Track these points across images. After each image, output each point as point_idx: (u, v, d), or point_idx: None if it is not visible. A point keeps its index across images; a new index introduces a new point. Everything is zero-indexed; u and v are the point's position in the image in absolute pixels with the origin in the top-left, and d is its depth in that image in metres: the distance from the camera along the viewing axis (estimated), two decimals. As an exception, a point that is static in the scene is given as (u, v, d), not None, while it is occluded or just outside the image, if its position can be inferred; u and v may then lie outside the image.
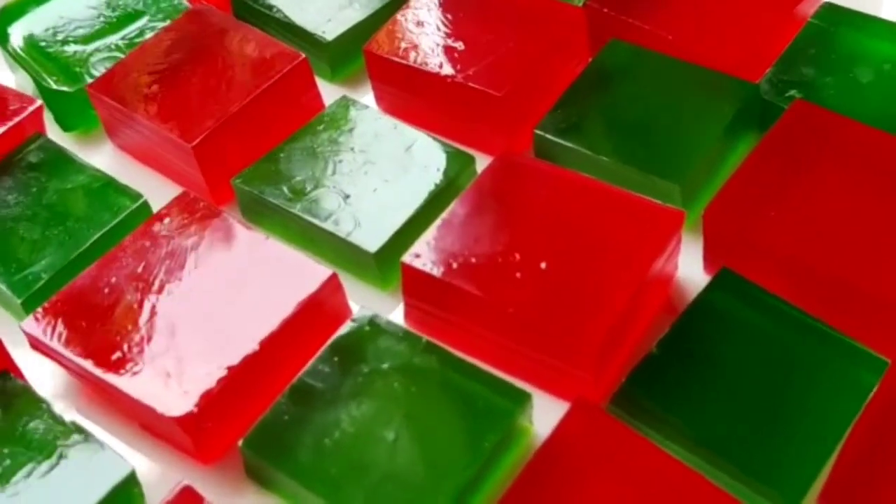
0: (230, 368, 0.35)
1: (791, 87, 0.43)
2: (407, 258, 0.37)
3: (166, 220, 0.40)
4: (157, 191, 0.44)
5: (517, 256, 0.37)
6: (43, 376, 0.39)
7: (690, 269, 0.40)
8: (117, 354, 0.36)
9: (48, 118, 0.48)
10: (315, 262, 0.38)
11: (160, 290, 0.38)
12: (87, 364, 0.36)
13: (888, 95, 0.41)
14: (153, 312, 0.37)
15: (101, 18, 0.51)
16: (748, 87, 0.43)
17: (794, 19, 0.45)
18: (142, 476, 0.35)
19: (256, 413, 0.35)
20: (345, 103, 0.45)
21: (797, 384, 0.34)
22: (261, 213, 0.43)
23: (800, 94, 0.42)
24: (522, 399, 0.34)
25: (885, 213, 0.37)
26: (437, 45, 0.46)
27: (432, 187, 0.42)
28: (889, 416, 0.32)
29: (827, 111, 0.40)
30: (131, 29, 0.51)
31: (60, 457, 0.34)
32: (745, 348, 0.35)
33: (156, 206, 0.42)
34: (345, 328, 0.36)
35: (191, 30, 0.48)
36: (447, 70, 0.44)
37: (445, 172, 0.42)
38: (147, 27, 0.51)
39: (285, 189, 0.42)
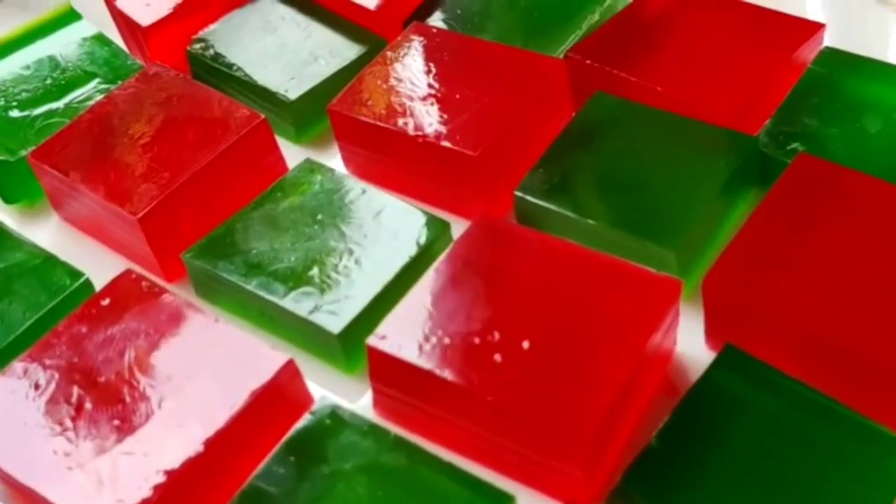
0: (171, 473, 0.31)
1: (793, 140, 0.39)
2: (373, 340, 0.33)
3: (105, 302, 0.36)
4: (105, 268, 0.40)
5: (497, 335, 0.33)
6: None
7: (690, 343, 0.36)
8: (46, 458, 0.32)
9: (-12, 189, 0.45)
10: (270, 346, 0.34)
11: (96, 383, 0.34)
12: (13, 470, 0.32)
13: (900, 146, 0.38)
14: (88, 408, 0.33)
15: (48, 81, 0.47)
16: (746, 140, 0.39)
17: (793, 66, 0.42)
18: None
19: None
20: (308, 167, 0.42)
21: (818, 478, 0.30)
22: (215, 290, 0.39)
23: (803, 146, 0.39)
24: (506, 503, 0.30)
25: (903, 275, 0.33)
26: (408, 101, 0.42)
27: (404, 258, 0.38)
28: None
29: (834, 165, 0.37)
30: (80, 92, 0.47)
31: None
32: (757, 437, 0.30)
33: (102, 285, 0.38)
34: (302, 422, 0.32)
35: (142, 92, 0.44)
36: (418, 129, 0.41)
37: (418, 240, 0.38)
38: (97, 90, 0.47)
39: (241, 263, 0.38)
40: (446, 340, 0.33)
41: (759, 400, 0.31)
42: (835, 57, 0.42)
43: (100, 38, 0.50)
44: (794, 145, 0.39)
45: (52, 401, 0.34)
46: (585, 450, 0.30)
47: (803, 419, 0.31)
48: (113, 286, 0.37)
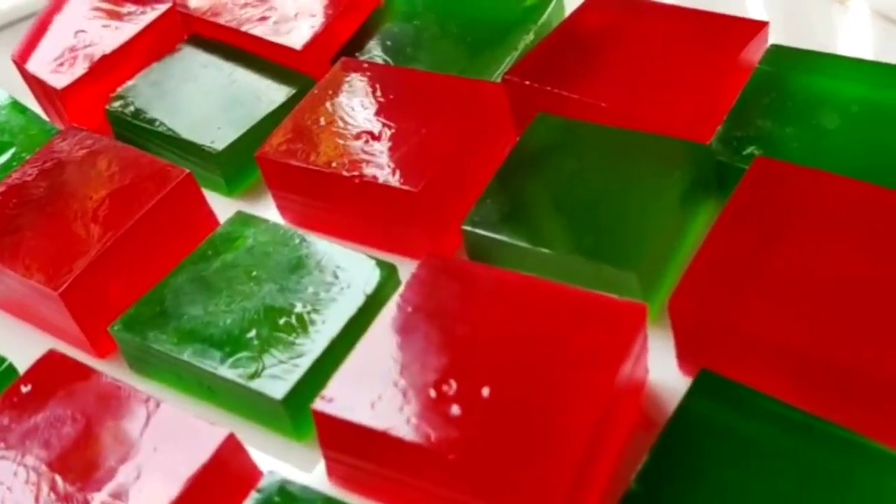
0: (105, 576, 0.28)
1: (748, 144, 0.37)
2: (318, 404, 0.31)
3: (26, 389, 0.33)
4: (32, 350, 0.37)
5: (454, 385, 0.30)
6: None
7: (662, 370, 0.33)
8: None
9: None
10: (210, 420, 0.31)
11: (20, 480, 0.31)
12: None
13: (862, 140, 0.36)
14: (10, 511, 0.30)
15: (-40, 156, 0.45)
16: (699, 149, 0.37)
17: (740, 68, 0.40)
18: None
19: None
20: (240, 220, 0.39)
21: (816, 506, 0.27)
22: (149, 363, 0.36)
23: (759, 150, 0.37)
24: (477, 570, 0.27)
25: (878, 273, 0.31)
26: (341, 141, 0.40)
27: (350, 310, 0.35)
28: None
29: (794, 166, 0.35)
30: (-5, 166, 0.44)
31: None
32: (745, 468, 0.28)
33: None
34: (248, 502, 0.29)
35: (60, 157, 0.42)
36: (354, 169, 0.38)
37: (364, 289, 0.36)
38: (14, 159, 0.44)
39: (172, 332, 0.35)
40: (399, 396, 0.30)
41: (743, 427, 0.29)
42: (782, 54, 0.40)
43: (14, 106, 0.47)
44: (750, 149, 0.37)
45: (-28, 505, 0.30)
46: (561, 502, 0.28)
47: (795, 444, 0.28)
48: (35, 370, 0.34)
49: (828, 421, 0.29)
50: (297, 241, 0.38)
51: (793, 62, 0.39)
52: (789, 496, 0.27)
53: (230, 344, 0.34)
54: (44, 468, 0.31)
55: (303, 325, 0.35)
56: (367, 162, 0.38)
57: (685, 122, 0.38)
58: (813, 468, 0.28)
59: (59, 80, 0.46)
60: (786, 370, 0.30)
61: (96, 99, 0.46)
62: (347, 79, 0.43)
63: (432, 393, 0.30)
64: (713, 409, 0.29)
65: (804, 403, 0.29)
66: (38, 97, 0.49)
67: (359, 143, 0.39)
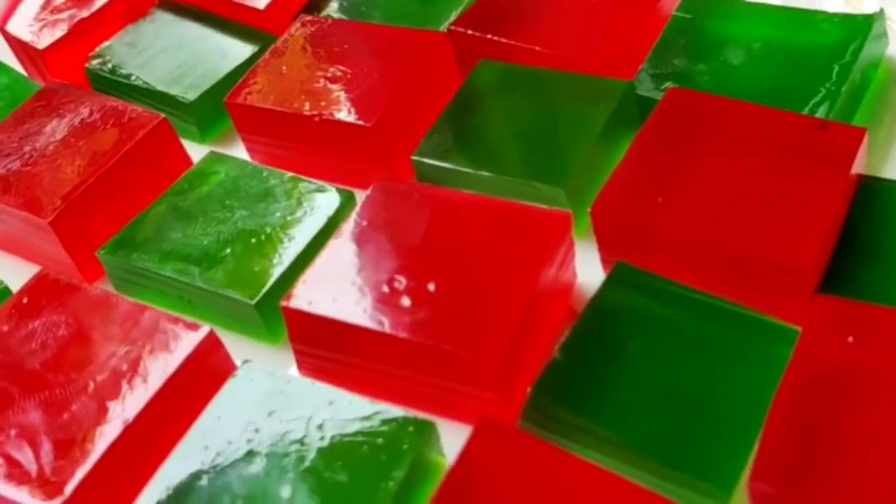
0: (103, 453, 0.32)
1: (666, 80, 0.42)
2: (286, 301, 0.35)
3: (24, 301, 0.37)
4: (25, 278, 0.41)
5: (404, 282, 0.35)
6: None
7: (591, 275, 0.38)
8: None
9: None
10: (189, 321, 0.36)
11: (21, 376, 0.34)
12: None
13: (760, 71, 0.41)
14: (14, 402, 0.34)
15: (-52, 104, 0.48)
16: (622, 84, 0.42)
17: (660, 15, 0.45)
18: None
19: (136, 490, 0.31)
20: (212, 158, 0.43)
21: (710, 369, 0.32)
22: (133, 283, 0.40)
23: (674, 84, 0.41)
24: (425, 429, 0.31)
25: (769, 180, 0.35)
26: (301, 86, 0.44)
27: (314, 229, 0.39)
28: (806, 383, 0.30)
29: (701, 94, 0.40)
30: (-17, 119, 0.48)
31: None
32: (653, 340, 0.33)
33: (21, 294, 0.39)
34: (227, 387, 0.33)
35: (44, 108, 0.46)
36: (314, 108, 0.42)
37: (326, 212, 0.40)
38: (0, 113, 0.48)
39: (154, 253, 0.39)
40: (356, 292, 0.34)
41: (651, 307, 0.33)
42: (696, 2, 0.45)
43: (-3, 66, 0.51)
44: (667, 84, 0.41)
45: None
46: (494, 372, 0.32)
47: (693, 319, 0.33)
48: (31, 287, 0.38)
49: (726, 300, 0.33)
50: (264, 174, 0.42)
51: (705, 9, 0.44)
52: (690, 364, 0.32)
53: (207, 260, 0.38)
54: (41, 365, 0.35)
55: (272, 243, 0.39)
56: (326, 103, 0.43)
57: (611, 63, 0.43)
58: (713, 339, 0.32)
59: (41, 41, 0.50)
60: (692, 263, 0.35)
61: (75, 59, 0.50)
62: (306, 33, 0.47)
63: (385, 289, 0.34)
64: (626, 294, 0.34)
65: (710, 290, 0.34)
66: (19, 58, 0.52)
67: (317, 87, 0.43)
